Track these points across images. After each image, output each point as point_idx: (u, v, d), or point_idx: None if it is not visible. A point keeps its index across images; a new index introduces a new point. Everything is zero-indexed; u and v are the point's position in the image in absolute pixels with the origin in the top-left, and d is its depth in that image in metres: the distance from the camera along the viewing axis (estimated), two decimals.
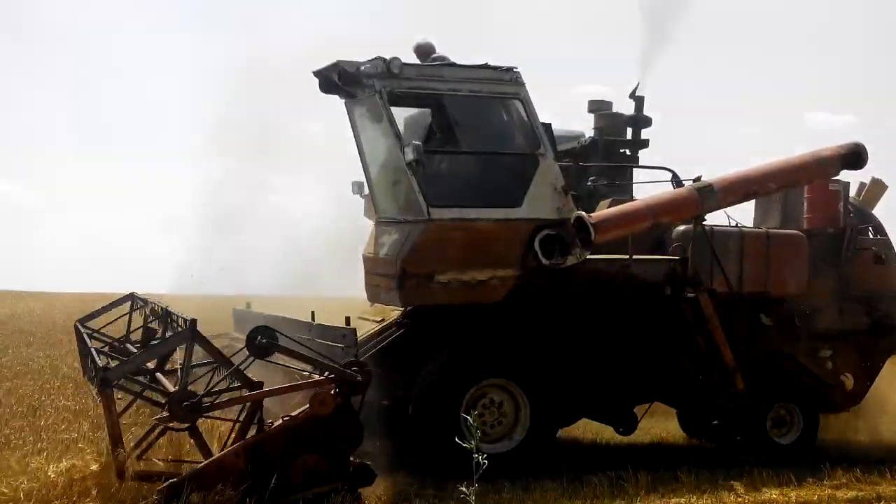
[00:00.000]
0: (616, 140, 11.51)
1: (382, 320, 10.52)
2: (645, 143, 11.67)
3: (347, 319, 8.46)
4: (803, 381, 11.44)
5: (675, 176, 10.55)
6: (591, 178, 11.14)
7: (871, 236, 12.03)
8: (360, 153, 10.14)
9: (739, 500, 8.59)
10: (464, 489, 3.37)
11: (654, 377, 10.80)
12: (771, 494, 8.81)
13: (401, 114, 10.18)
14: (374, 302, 10.08)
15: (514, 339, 9.76)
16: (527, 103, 9.57)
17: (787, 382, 11.41)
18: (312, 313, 9.64)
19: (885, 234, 12.05)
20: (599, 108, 12.01)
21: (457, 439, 4.22)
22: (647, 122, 11.68)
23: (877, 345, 11.73)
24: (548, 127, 10.62)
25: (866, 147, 10.55)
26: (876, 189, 12.28)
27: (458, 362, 9.50)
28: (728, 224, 11.03)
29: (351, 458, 8.10)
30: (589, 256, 9.81)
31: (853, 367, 11.69)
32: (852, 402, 11.84)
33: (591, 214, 9.48)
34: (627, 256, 9.97)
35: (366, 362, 8.16)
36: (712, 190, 9.94)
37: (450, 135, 9.47)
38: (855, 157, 10.53)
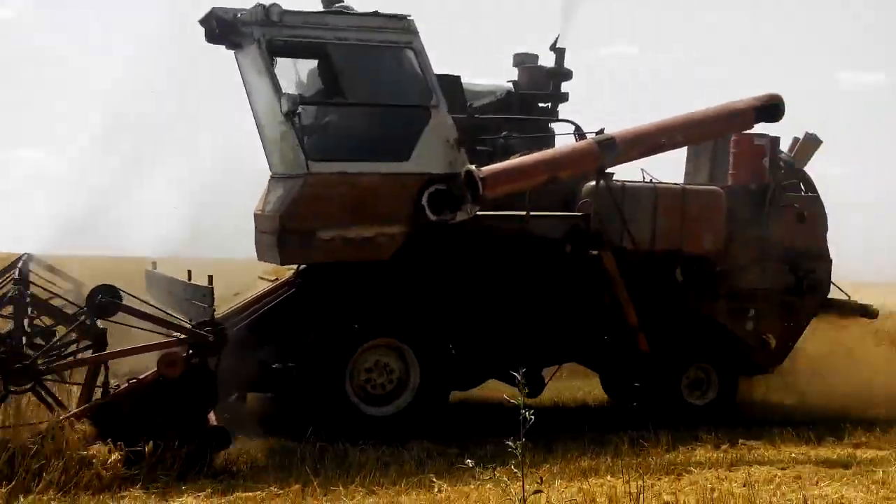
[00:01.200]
0: (532, 94, 11.11)
1: (276, 279, 10.32)
2: (564, 97, 11.26)
3: (210, 278, 8.24)
4: (721, 342, 11.17)
5: (577, 129, 10.21)
6: (504, 133, 10.77)
7: (802, 193, 11.66)
8: (251, 106, 9.84)
9: (759, 458, 8.52)
10: (510, 443, 3.29)
11: (558, 338, 10.55)
12: (791, 453, 8.74)
13: (306, 66, 9.89)
14: (262, 260, 9.84)
15: (402, 298, 9.52)
16: (419, 53, 9.21)
17: (704, 343, 11.13)
18: (189, 272, 9.45)
19: (815, 192, 11.65)
20: (524, 61, 11.59)
21: (505, 396, 3.98)
22: (566, 75, 11.25)
23: (801, 304, 11.41)
24: (455, 80, 10.30)
25: (784, 99, 10.12)
26: (809, 145, 11.82)
27: (343, 322, 9.26)
28: (643, 180, 10.69)
29: (212, 420, 8.00)
30: (485, 213, 9.52)
31: (776, 327, 11.41)
32: (774, 363, 11.56)
33: (482, 168, 9.16)
34: (524, 213, 9.66)
35: (222, 322, 7.99)
36: (613, 143, 9.58)
37: (335, 85, 9.14)
38: (772, 109, 10.14)
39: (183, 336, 7.80)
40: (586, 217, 10.01)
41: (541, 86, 11.29)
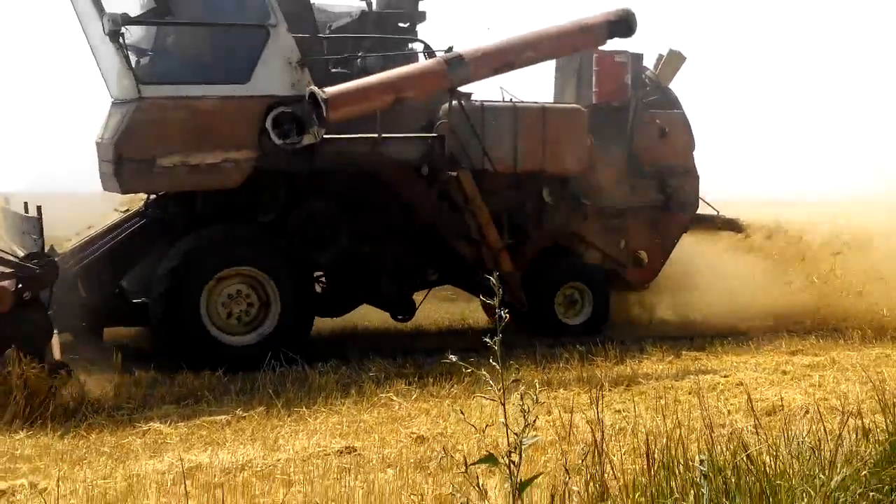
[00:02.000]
0: (387, 13, 10.74)
1: (127, 210, 9.97)
2: (422, 16, 10.90)
3: (38, 209, 7.84)
4: (592, 261, 11.15)
5: (427, 47, 9.93)
6: (360, 55, 10.42)
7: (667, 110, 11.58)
8: (83, 28, 9.32)
9: (703, 368, 8.66)
10: (488, 339, 3.47)
11: (426, 261, 10.42)
12: (732, 361, 8.88)
13: None
14: (107, 190, 9.43)
15: (255, 226, 9.24)
16: None
17: (574, 262, 11.10)
18: (25, 204, 9.01)
19: (680, 108, 11.60)
20: None
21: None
22: None
23: (670, 221, 11.43)
24: None
25: (635, 14, 9.95)
26: (673, 61, 11.72)
27: (194, 253, 8.94)
28: (502, 99, 10.49)
29: (54, 356, 7.69)
30: (336, 136, 9.23)
31: (647, 244, 11.41)
32: (646, 280, 11.59)
33: (327, 89, 8.83)
34: (376, 135, 9.38)
35: (48, 255, 7.64)
36: (462, 61, 9.32)
37: (165, 3, 8.68)
38: (623, 24, 9.95)
39: (8, 270, 7.46)
40: (441, 138, 9.77)
41: (396, 5, 10.93)
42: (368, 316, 11.09)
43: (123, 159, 8.61)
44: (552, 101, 11.56)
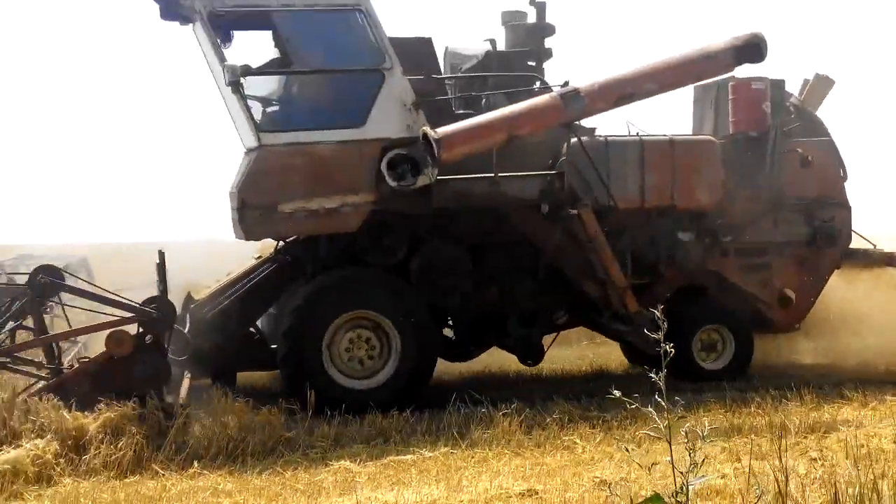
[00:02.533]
0: (511, 52, 10.68)
1: (259, 257, 10.29)
2: (548, 53, 10.79)
3: (161, 254, 8.22)
4: (732, 301, 10.55)
5: (543, 83, 9.74)
6: (485, 94, 10.40)
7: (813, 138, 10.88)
8: (215, 81, 9.77)
9: None
10: (653, 375, 3.75)
11: (553, 302, 10.18)
12: None
13: None
14: (237, 238, 9.74)
15: (377, 270, 9.31)
16: (369, 15, 8.98)
17: (714, 303, 10.54)
18: (160, 252, 9.47)
19: (827, 135, 10.88)
20: (512, 19, 11.17)
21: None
22: (548, 30, 10.79)
23: (819, 256, 10.68)
24: (426, 42, 10.00)
25: (765, 37, 9.41)
26: (820, 86, 11.05)
27: (315, 297, 9.09)
28: (628, 133, 10.17)
29: (180, 397, 7.99)
30: (453, 176, 9.21)
31: (794, 281, 10.70)
32: (794, 321, 10.85)
33: (439, 130, 8.83)
34: (493, 174, 9.28)
35: (166, 299, 7.96)
36: (578, 95, 9.09)
37: (285, 53, 8.98)
38: (753, 49, 9.42)
39: (129, 315, 7.84)
40: (561, 175, 9.55)
41: (523, 43, 10.85)
42: (553, 357, 11.01)
43: (246, 206, 8.90)
44: (691, 133, 11.14)
